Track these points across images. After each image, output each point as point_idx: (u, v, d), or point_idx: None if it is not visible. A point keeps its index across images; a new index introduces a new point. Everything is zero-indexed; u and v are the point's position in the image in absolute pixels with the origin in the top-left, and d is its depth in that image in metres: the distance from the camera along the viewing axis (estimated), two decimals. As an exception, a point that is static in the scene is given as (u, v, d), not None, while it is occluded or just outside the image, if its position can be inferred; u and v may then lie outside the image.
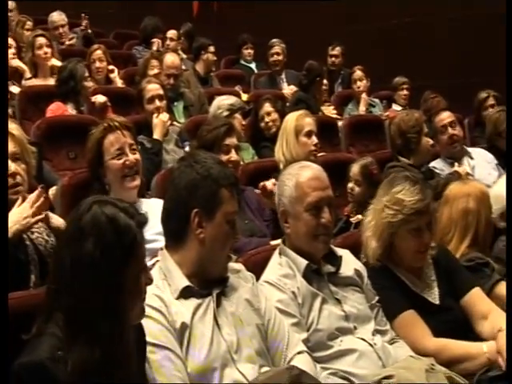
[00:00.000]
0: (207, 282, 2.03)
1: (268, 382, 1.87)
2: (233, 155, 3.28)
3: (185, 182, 2.03)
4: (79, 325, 1.53)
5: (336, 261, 2.43)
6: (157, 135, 4.10)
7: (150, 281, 1.68)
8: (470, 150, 4.59)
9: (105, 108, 4.87)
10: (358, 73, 6.47)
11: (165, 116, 4.20)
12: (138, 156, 2.90)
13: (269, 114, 4.69)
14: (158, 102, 4.31)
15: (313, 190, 2.35)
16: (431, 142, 4.25)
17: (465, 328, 2.61)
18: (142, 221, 1.66)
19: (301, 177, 2.38)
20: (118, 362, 1.57)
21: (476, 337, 2.57)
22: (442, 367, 2.26)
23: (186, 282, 2.00)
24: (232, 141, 3.32)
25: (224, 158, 3.15)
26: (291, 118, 4.01)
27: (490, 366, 2.39)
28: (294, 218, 2.38)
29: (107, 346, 1.53)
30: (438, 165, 4.39)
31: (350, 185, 3.74)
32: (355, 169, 3.76)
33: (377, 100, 6.57)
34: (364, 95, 6.31)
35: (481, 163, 4.47)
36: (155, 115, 4.18)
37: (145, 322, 1.88)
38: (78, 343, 1.51)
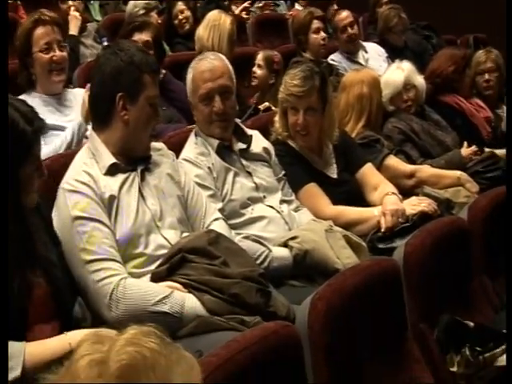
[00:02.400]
0: (132, 160, 2.03)
1: (189, 245, 1.93)
2: None
3: (110, 68, 1.99)
4: None
5: (246, 139, 2.47)
6: (72, 31, 3.95)
7: (42, 175, 1.69)
8: (364, 44, 4.65)
9: (15, 6, 4.59)
10: None
11: (76, 11, 4.08)
12: (65, 54, 2.81)
13: (182, 11, 4.59)
14: (70, 1, 4.18)
15: (204, 82, 2.36)
16: (320, 38, 4.28)
17: (359, 198, 2.74)
18: (40, 126, 1.66)
19: (195, 70, 2.40)
20: (22, 241, 1.60)
21: (368, 205, 2.70)
22: (339, 228, 2.38)
23: (112, 159, 1.98)
24: (140, 37, 3.21)
25: None
26: (225, 20, 3.86)
27: (379, 227, 2.54)
28: (194, 108, 2.43)
29: (10, 229, 1.55)
30: (336, 58, 4.45)
31: (254, 68, 3.88)
32: (260, 55, 3.90)
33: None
34: None
35: (373, 56, 4.56)
36: None
37: (75, 195, 1.90)
38: None
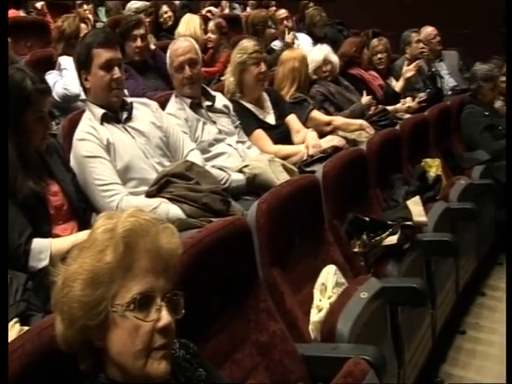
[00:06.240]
0: (115, 112, 1.92)
1: (171, 171, 1.87)
2: (138, 43, 3.10)
3: (76, 53, 1.92)
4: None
5: (211, 98, 2.38)
6: (85, 30, 3.75)
7: (47, 127, 1.60)
8: (298, 34, 4.54)
9: (43, 12, 4.33)
10: None
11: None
12: None
13: (166, 12, 4.42)
14: (85, 6, 4.02)
15: (177, 56, 2.28)
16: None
17: (289, 139, 2.69)
18: (43, 88, 1.56)
19: (171, 49, 2.34)
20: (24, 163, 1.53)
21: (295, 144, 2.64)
22: (279, 159, 2.34)
23: (102, 111, 1.88)
24: (139, 31, 3.11)
25: (133, 44, 3.09)
26: (195, 18, 3.82)
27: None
28: (172, 77, 2.34)
29: (18, 154, 1.50)
30: (277, 43, 4.34)
31: (208, 34, 3.80)
32: (211, 24, 3.82)
33: None
34: None
35: (303, 43, 4.43)
36: None
37: (84, 142, 1.84)
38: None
